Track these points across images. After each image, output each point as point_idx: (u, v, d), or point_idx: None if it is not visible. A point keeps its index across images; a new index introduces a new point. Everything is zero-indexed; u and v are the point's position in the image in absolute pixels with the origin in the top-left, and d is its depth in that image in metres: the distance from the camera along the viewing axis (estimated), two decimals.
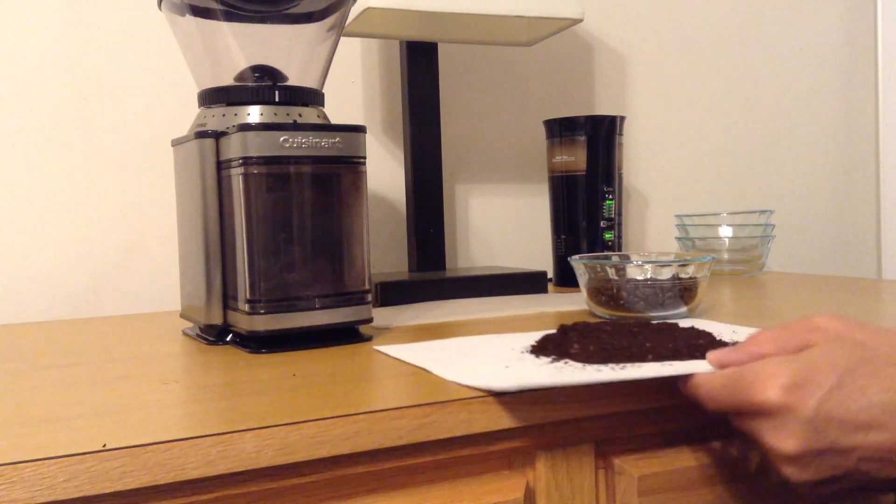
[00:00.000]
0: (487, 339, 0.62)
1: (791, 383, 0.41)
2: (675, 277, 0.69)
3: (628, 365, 0.49)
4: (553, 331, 0.59)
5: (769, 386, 0.41)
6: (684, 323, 0.64)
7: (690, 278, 0.69)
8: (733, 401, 0.43)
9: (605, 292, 0.71)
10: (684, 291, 0.69)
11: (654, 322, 0.63)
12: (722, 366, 0.46)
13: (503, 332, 0.65)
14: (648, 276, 0.69)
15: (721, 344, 0.53)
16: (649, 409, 0.50)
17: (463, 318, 0.73)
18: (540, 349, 0.55)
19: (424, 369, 0.52)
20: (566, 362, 0.51)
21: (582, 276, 0.73)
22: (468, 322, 0.71)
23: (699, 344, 0.52)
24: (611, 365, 0.50)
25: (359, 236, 0.63)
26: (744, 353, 0.45)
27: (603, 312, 0.72)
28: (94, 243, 0.91)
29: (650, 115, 1.22)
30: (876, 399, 0.40)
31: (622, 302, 0.69)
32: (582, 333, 0.57)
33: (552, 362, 0.51)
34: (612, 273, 0.71)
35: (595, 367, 0.49)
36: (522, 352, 0.56)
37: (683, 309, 0.70)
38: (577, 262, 0.74)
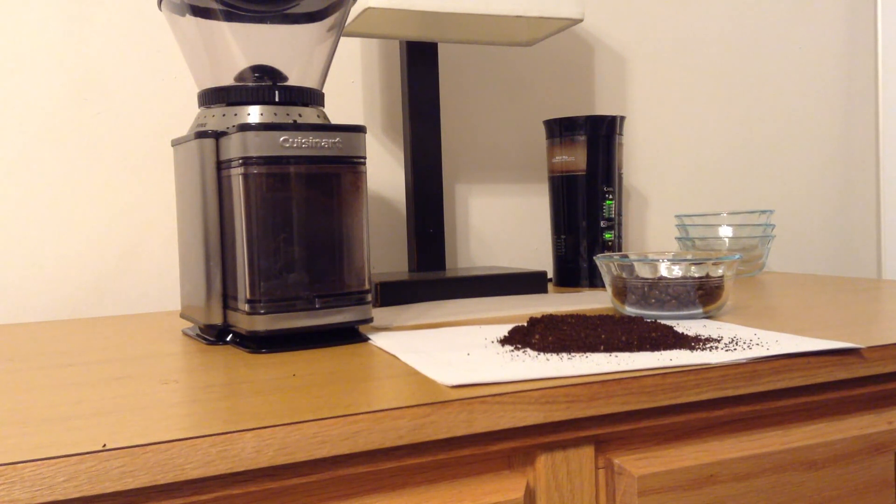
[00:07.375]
0: (470, 329, 0.66)
1: None
2: (707, 276, 0.69)
3: (577, 355, 0.53)
4: (524, 323, 0.63)
5: None
6: (709, 323, 0.66)
7: (720, 276, 0.69)
8: None
9: (635, 291, 0.70)
10: (714, 290, 0.69)
11: (618, 316, 0.65)
12: None
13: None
14: (680, 275, 0.69)
15: (678, 336, 0.55)
16: (649, 409, 0.50)
17: (462, 319, 0.73)
18: (507, 339, 0.59)
19: (394, 356, 0.56)
20: (524, 351, 0.55)
21: (608, 275, 0.73)
22: (467, 322, 0.71)
23: (652, 336, 0.55)
24: (562, 354, 0.54)
25: (359, 236, 0.63)
26: None
27: (631, 312, 0.71)
28: (94, 243, 0.91)
29: (650, 115, 1.22)
30: None
31: (653, 301, 0.69)
32: (547, 325, 0.61)
33: (511, 351, 0.55)
34: (643, 272, 0.71)
35: (546, 356, 0.53)
36: (492, 341, 0.60)
37: (712, 307, 0.70)
38: (603, 261, 0.73)
